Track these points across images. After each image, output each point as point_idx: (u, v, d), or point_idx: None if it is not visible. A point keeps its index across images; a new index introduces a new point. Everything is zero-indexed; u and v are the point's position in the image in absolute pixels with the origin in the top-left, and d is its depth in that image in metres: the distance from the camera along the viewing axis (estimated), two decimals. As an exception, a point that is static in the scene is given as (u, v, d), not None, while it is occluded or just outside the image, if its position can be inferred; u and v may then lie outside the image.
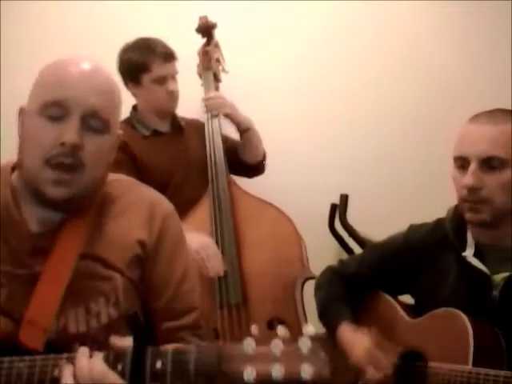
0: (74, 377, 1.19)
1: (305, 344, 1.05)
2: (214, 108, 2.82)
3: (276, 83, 3.29)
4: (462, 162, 1.73)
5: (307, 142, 3.27)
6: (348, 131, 3.30)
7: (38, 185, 1.38)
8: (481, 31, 3.25)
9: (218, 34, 2.97)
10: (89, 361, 1.20)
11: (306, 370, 1.03)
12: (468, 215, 1.74)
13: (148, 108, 2.79)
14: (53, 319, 1.36)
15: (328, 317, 1.96)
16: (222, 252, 2.58)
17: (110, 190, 1.50)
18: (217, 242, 2.60)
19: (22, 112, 1.45)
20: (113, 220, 1.47)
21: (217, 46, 2.96)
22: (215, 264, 2.53)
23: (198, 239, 2.50)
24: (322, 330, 2.01)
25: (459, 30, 3.28)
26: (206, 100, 2.84)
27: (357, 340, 1.84)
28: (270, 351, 1.05)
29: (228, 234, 2.61)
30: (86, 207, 1.45)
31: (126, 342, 1.20)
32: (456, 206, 1.84)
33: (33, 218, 1.43)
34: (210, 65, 2.90)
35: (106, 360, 1.18)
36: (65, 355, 1.24)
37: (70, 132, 1.35)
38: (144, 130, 2.78)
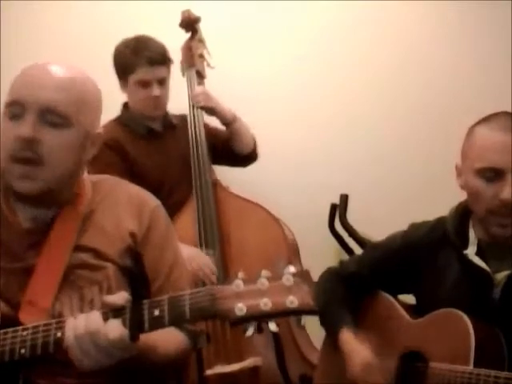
0: (74, 329, 1.25)
1: (288, 279, 1.16)
2: (199, 101, 2.74)
3: (275, 83, 3.28)
4: (491, 174, 1.65)
5: (307, 142, 3.27)
6: (348, 131, 3.29)
7: (10, 181, 1.44)
8: (481, 31, 3.25)
9: (217, 34, 2.96)
10: (86, 315, 1.27)
11: (292, 301, 1.14)
12: (495, 230, 1.70)
13: (136, 108, 2.73)
14: (52, 300, 1.41)
15: (329, 322, 1.94)
16: (207, 254, 2.54)
17: (99, 187, 1.57)
18: (201, 244, 2.56)
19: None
20: (104, 214, 1.53)
21: (201, 40, 2.86)
22: (208, 272, 2.49)
23: (186, 250, 2.46)
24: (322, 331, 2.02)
25: (459, 29, 3.28)
26: (191, 96, 2.76)
27: (354, 352, 1.83)
28: (257, 288, 1.16)
29: (212, 235, 2.56)
30: (76, 203, 1.51)
31: (119, 297, 1.27)
32: (459, 204, 1.83)
33: (25, 216, 1.49)
34: (192, 61, 2.81)
35: (106, 317, 1.25)
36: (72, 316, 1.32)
37: (24, 127, 1.41)
38: (140, 128, 2.72)
